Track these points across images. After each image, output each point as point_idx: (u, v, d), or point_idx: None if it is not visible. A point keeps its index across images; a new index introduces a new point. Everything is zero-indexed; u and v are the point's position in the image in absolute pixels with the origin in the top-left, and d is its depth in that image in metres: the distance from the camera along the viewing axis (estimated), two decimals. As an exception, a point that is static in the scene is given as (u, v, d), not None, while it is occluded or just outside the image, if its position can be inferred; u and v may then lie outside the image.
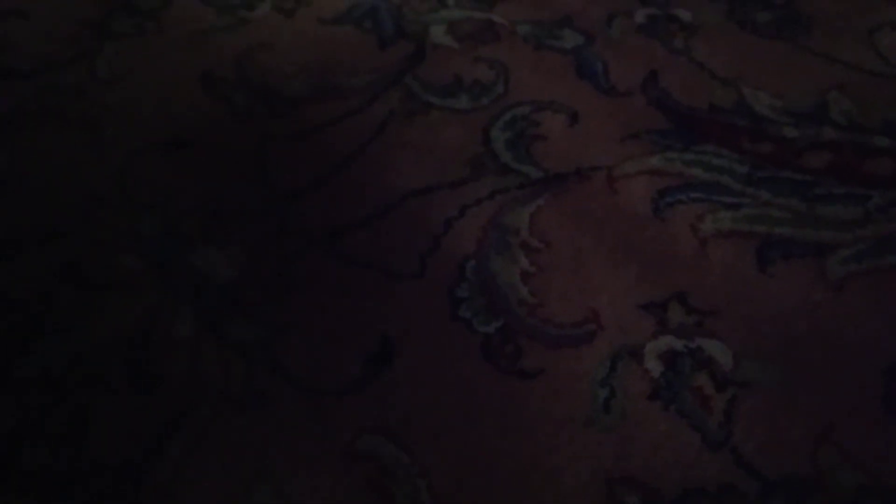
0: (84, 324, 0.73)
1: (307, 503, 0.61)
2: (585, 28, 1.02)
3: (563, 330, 0.71)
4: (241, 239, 0.79)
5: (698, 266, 0.75)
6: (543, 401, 0.66)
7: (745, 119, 0.89)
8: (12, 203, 0.84)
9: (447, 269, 0.76)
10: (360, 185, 0.84)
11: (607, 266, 0.75)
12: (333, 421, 0.65)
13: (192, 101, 0.94)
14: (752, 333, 0.70)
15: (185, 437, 0.65)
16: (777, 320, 0.71)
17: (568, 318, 0.72)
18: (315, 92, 0.95)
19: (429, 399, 0.66)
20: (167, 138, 0.90)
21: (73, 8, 1.10)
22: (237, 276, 0.75)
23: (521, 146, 0.87)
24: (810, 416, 0.65)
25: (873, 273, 0.75)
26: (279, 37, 1.03)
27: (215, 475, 0.62)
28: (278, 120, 0.91)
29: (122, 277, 0.76)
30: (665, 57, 0.98)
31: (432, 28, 1.02)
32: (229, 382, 0.68)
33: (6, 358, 0.70)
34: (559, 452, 0.64)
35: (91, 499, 0.61)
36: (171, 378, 0.69)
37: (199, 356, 0.70)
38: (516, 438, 0.64)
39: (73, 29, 1.06)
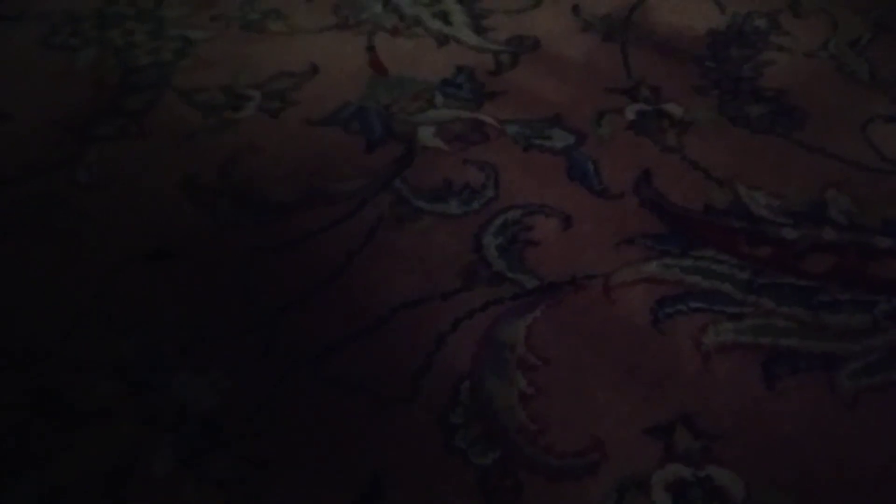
0: (61, 460, 0.68)
1: None
2: (575, 126, 1.00)
3: (566, 460, 0.67)
4: (224, 362, 0.75)
5: (703, 384, 0.72)
6: (546, 541, 0.62)
7: (743, 220, 0.87)
8: (-14, 323, 0.81)
9: (440, 391, 0.72)
10: (349, 298, 0.81)
11: (609, 386, 0.72)
12: (322, 571, 0.61)
13: (176, 210, 0.92)
14: (763, 459, 0.67)
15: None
16: (788, 443, 0.68)
17: (570, 446, 0.68)
18: (302, 197, 0.92)
19: (424, 545, 0.62)
20: (149, 250, 0.87)
21: (59, 109, 1.08)
22: (219, 403, 0.72)
23: (513, 253, 0.84)
24: (831, 554, 0.61)
25: (886, 387, 0.72)
26: (265, 139, 1.01)
27: None
28: (264, 228, 0.89)
29: (101, 406, 0.72)
30: (657, 155, 0.96)
31: (420, 129, 1.00)
32: (210, 526, 0.64)
33: (-27, 502, 0.66)
34: None
35: None
36: (150, 520, 0.65)
37: (178, 496, 0.66)
38: (518, 585, 0.60)
39: (57, 132, 1.05)
